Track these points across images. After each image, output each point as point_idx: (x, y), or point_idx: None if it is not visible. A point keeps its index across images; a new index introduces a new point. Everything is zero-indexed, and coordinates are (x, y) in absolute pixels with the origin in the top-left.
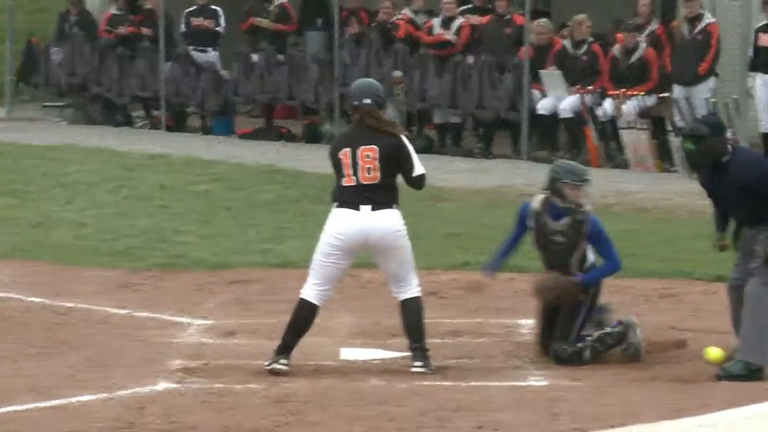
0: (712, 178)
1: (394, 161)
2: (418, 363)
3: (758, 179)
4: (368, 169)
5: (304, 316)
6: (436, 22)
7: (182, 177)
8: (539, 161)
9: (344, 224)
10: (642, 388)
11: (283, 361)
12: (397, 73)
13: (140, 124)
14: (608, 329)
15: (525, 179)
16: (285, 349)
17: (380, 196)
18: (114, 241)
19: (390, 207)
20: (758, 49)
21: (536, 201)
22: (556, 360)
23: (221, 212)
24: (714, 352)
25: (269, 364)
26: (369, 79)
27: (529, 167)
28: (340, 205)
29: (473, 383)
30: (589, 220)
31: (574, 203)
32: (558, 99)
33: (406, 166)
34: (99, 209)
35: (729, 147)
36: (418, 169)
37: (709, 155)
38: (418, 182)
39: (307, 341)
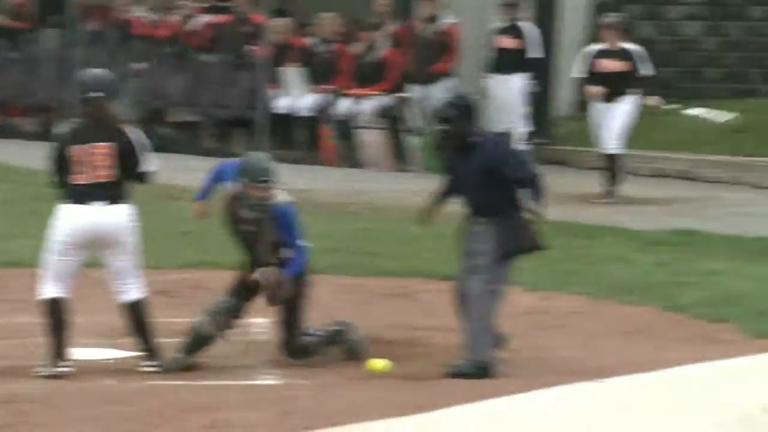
0: (458, 161)
1: (126, 157)
2: (148, 363)
3: (504, 160)
4: (101, 166)
5: (56, 313)
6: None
7: None
8: (277, 160)
9: (74, 221)
10: (373, 386)
11: (62, 363)
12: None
13: None
14: (329, 328)
15: None
16: (58, 352)
17: (111, 192)
18: None
19: (121, 203)
20: (496, 51)
21: (234, 187)
22: (285, 355)
23: None
24: (378, 363)
25: (47, 370)
26: (100, 70)
27: None
28: (70, 202)
29: (205, 382)
30: (277, 213)
31: (260, 203)
32: (296, 98)
33: (136, 161)
34: None
35: (478, 130)
36: (148, 165)
37: (458, 137)
38: (145, 178)
39: (36, 341)
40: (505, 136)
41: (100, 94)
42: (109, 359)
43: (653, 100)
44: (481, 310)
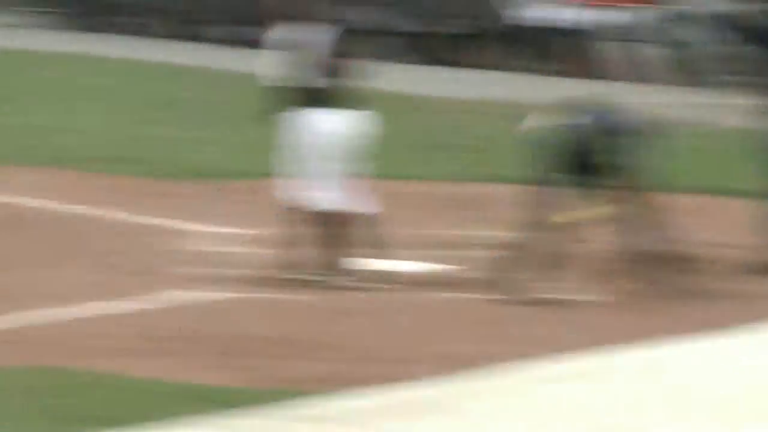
0: None
1: None
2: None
3: None
4: None
5: (332, 224)
6: None
7: None
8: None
9: (331, 125)
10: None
11: (346, 277)
12: None
13: None
14: None
15: None
16: (335, 264)
17: None
18: None
19: None
20: None
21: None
22: None
23: None
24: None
25: (327, 281)
26: None
27: None
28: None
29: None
30: None
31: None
32: (553, 10)
33: None
34: None
35: None
36: None
37: None
38: None
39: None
40: None
41: None
42: (428, 271)
43: None
44: None
